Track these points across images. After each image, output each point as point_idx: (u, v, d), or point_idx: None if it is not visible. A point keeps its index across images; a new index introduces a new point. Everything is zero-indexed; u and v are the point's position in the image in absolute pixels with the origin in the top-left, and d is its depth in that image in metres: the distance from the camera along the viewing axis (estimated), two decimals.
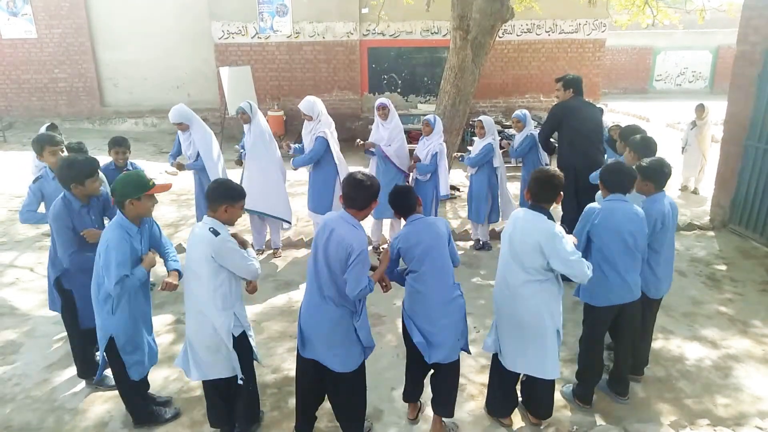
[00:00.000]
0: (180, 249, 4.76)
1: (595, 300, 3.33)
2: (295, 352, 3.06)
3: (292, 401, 3.53)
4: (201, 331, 2.93)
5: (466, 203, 6.20)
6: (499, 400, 3.35)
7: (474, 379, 3.78)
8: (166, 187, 3.18)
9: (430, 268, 2.97)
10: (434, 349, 3.00)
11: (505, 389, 3.30)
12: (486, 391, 3.47)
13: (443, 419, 3.25)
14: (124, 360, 3.11)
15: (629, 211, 3.22)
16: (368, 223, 5.82)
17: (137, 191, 2.93)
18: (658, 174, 3.38)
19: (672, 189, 8.53)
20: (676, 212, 3.52)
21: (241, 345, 3.02)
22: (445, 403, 3.19)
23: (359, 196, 2.83)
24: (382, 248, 6.03)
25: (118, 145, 4.75)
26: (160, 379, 3.76)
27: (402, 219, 3.16)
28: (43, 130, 4.60)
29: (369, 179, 2.86)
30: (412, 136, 8.98)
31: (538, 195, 2.97)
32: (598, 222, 3.23)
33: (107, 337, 3.05)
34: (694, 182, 8.43)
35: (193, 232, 2.90)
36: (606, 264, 3.23)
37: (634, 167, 3.41)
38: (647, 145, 3.93)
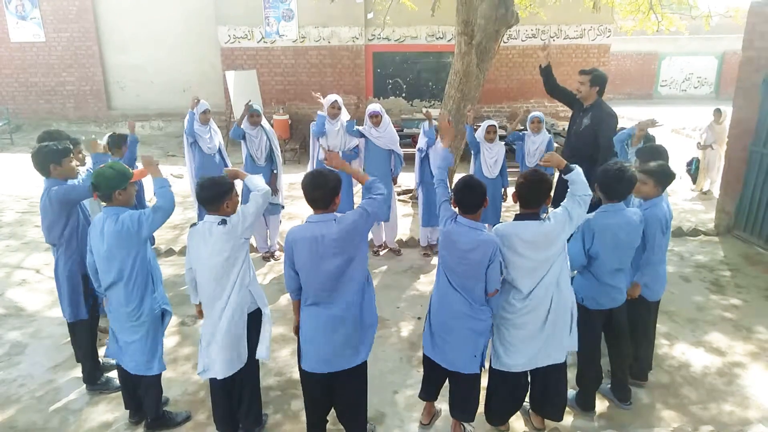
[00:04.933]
0: (182, 252, 4.76)
1: (588, 303, 3.27)
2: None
3: (296, 404, 3.54)
4: (238, 322, 2.97)
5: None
6: (501, 408, 3.29)
7: None
8: (143, 173, 3.30)
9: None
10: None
11: (514, 396, 3.26)
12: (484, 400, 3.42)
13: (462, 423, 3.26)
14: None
15: (625, 222, 3.15)
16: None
17: (124, 181, 3.00)
18: (662, 177, 3.35)
19: (685, 192, 8.55)
20: (671, 215, 3.51)
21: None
22: (462, 409, 3.19)
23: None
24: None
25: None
26: (163, 381, 3.75)
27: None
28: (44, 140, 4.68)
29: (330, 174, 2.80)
30: (416, 141, 9.00)
31: (528, 199, 2.89)
32: (596, 239, 3.15)
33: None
34: (708, 184, 8.42)
35: (201, 235, 2.91)
36: (599, 270, 3.20)
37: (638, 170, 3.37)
38: (652, 153, 3.79)
